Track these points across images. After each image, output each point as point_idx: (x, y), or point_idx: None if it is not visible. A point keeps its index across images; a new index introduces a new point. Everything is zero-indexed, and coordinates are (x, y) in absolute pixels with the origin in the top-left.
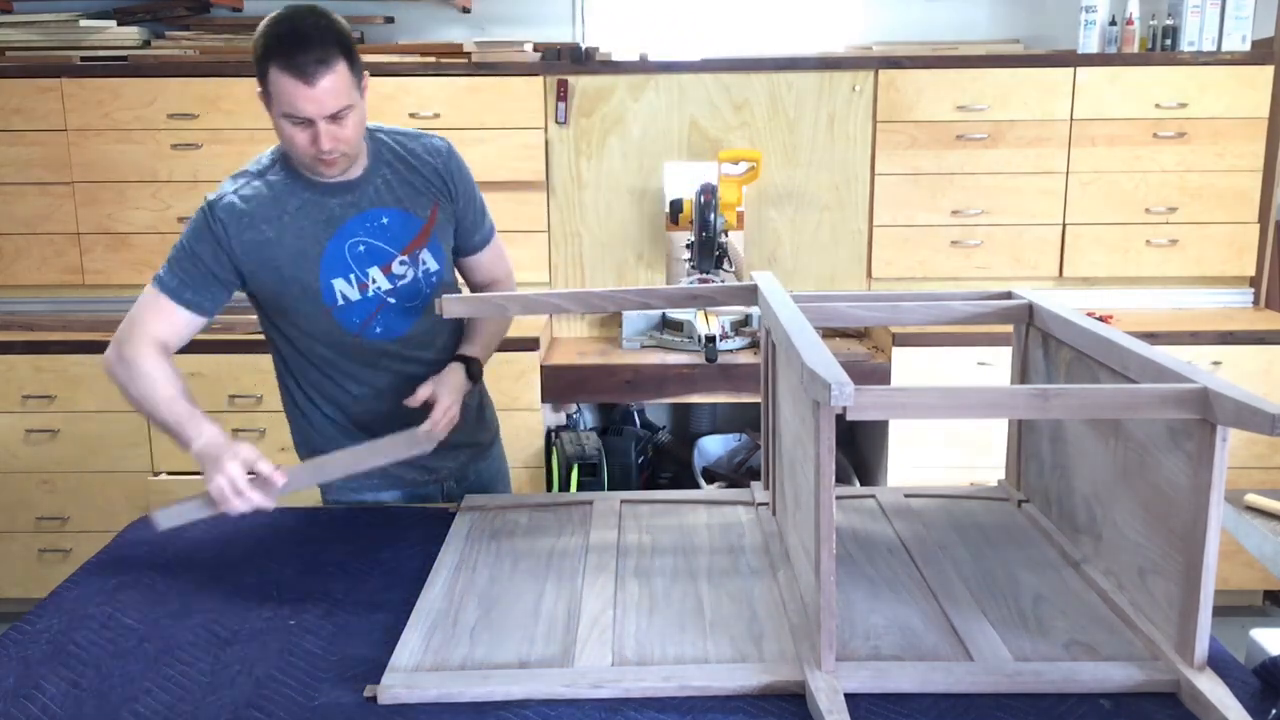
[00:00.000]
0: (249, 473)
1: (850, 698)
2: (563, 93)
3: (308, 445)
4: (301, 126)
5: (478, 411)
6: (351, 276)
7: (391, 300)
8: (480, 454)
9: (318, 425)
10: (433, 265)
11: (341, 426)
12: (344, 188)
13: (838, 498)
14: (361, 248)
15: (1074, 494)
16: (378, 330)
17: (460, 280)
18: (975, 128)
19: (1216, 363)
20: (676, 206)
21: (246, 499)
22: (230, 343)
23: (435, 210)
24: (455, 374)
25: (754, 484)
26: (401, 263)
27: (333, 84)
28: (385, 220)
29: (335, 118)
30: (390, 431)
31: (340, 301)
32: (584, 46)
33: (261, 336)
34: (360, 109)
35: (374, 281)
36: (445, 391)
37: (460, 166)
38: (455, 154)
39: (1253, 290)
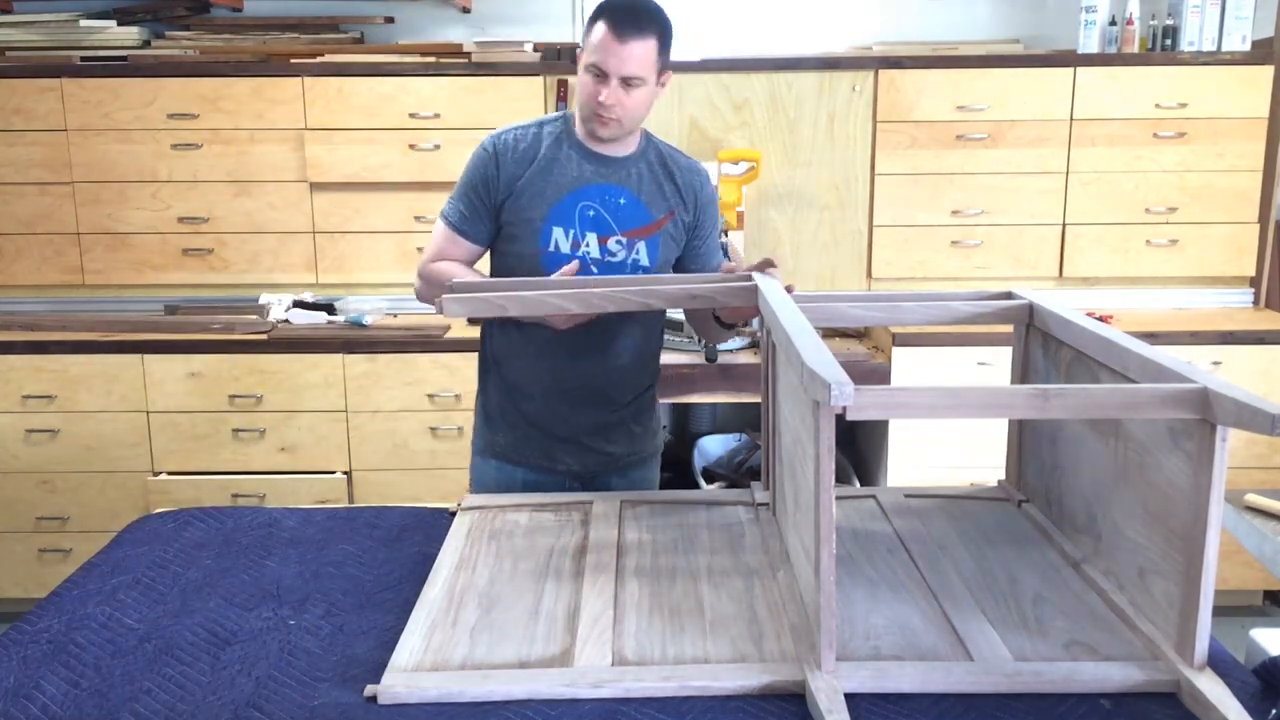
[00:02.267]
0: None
1: (850, 698)
2: (563, 93)
3: (483, 413)
4: (598, 78)
5: (647, 418)
6: (570, 232)
7: (594, 269)
8: (639, 464)
9: (492, 386)
10: (645, 260)
11: (514, 392)
12: (603, 160)
13: (838, 498)
14: (591, 213)
15: (1074, 494)
16: None
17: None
18: (975, 128)
19: (1216, 363)
20: None
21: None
22: (230, 343)
23: (669, 218)
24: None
25: (754, 484)
26: (618, 242)
27: (638, 52)
28: (622, 200)
29: (627, 82)
30: (549, 424)
31: (551, 248)
32: None
33: (264, 336)
34: (651, 90)
35: (587, 245)
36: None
37: (712, 197)
38: (711, 183)
39: (1253, 290)
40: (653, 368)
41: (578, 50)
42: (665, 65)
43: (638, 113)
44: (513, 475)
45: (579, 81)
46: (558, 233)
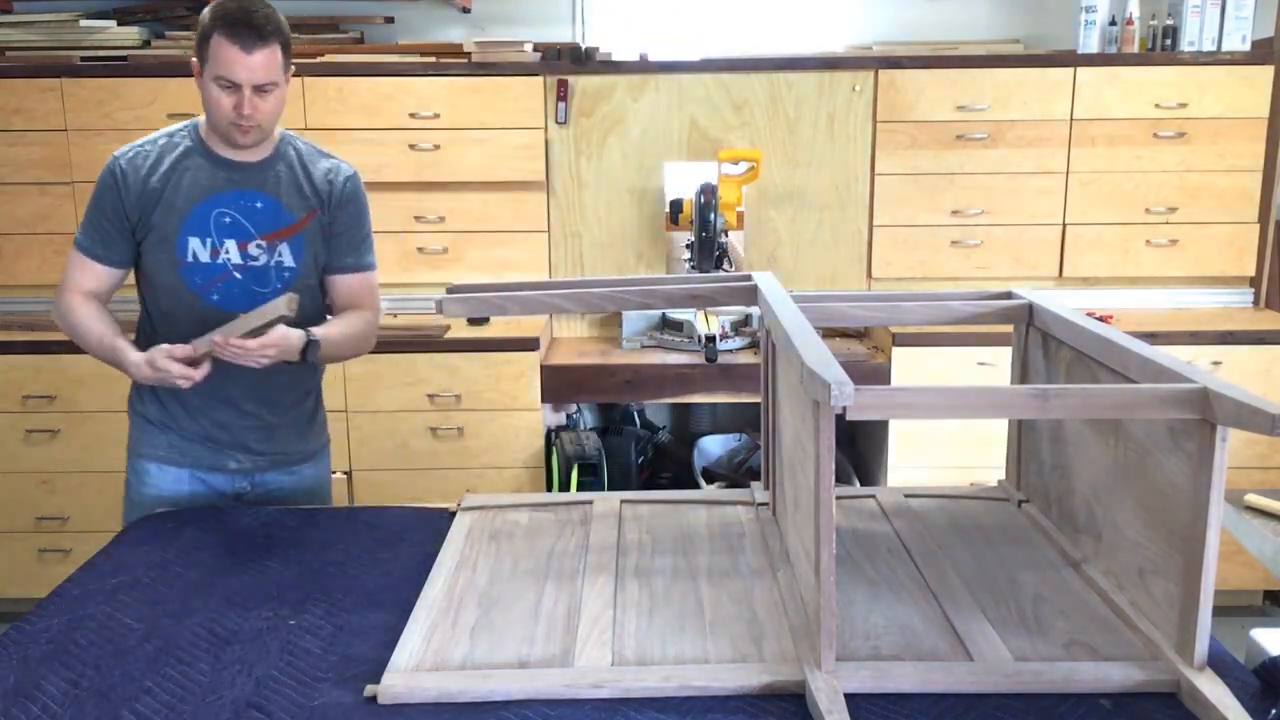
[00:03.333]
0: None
1: (850, 698)
2: (563, 93)
3: (142, 418)
4: (230, 91)
5: (309, 417)
6: (207, 240)
7: (238, 275)
8: (306, 458)
9: (149, 392)
10: (289, 261)
11: (174, 399)
12: (236, 167)
13: (838, 498)
14: (227, 219)
15: (1074, 494)
16: (215, 297)
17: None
18: (975, 128)
19: (1216, 363)
20: (676, 206)
21: (181, 374)
22: None
23: (309, 218)
24: (292, 334)
25: (754, 484)
26: (258, 246)
27: (266, 60)
28: (259, 205)
29: (260, 90)
30: (199, 415)
31: (189, 259)
32: (584, 46)
33: None
34: (283, 92)
35: (226, 252)
36: (274, 334)
37: (354, 196)
38: (357, 186)
39: (1253, 290)
40: (314, 375)
41: (192, 60)
42: (289, 65)
43: (275, 114)
44: (179, 478)
45: (208, 94)
46: (194, 243)
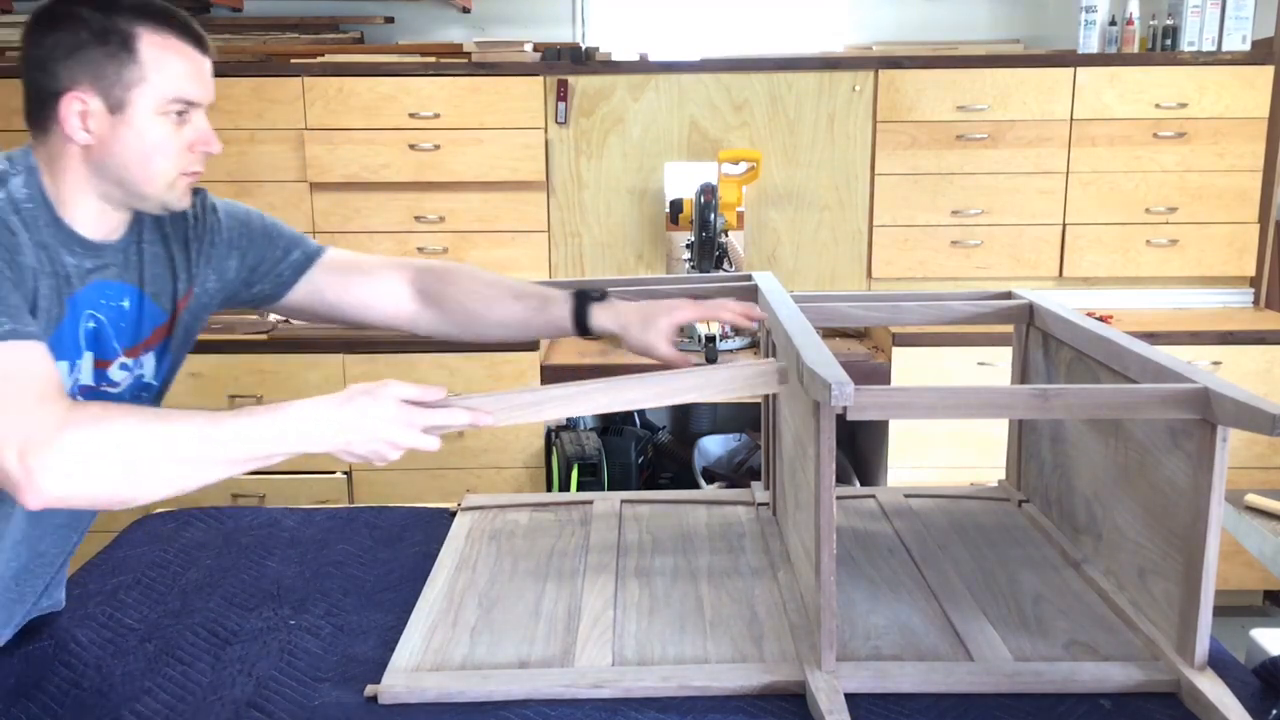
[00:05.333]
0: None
1: (850, 698)
2: (563, 93)
3: None
4: (181, 120)
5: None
6: (76, 363)
7: (80, 399)
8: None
9: None
10: (150, 375)
11: None
12: (85, 245)
13: (838, 498)
14: (92, 324)
15: (1074, 494)
16: None
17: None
18: (975, 128)
19: (1216, 363)
20: (676, 206)
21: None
22: (230, 343)
23: (187, 298)
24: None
25: (754, 484)
26: (122, 366)
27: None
28: (126, 303)
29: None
30: None
31: None
32: (584, 46)
33: (264, 337)
34: None
35: (78, 372)
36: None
37: (234, 210)
38: (226, 203)
39: (1253, 290)
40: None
41: (64, 93)
42: None
43: None
44: None
45: (145, 135)
46: (62, 369)
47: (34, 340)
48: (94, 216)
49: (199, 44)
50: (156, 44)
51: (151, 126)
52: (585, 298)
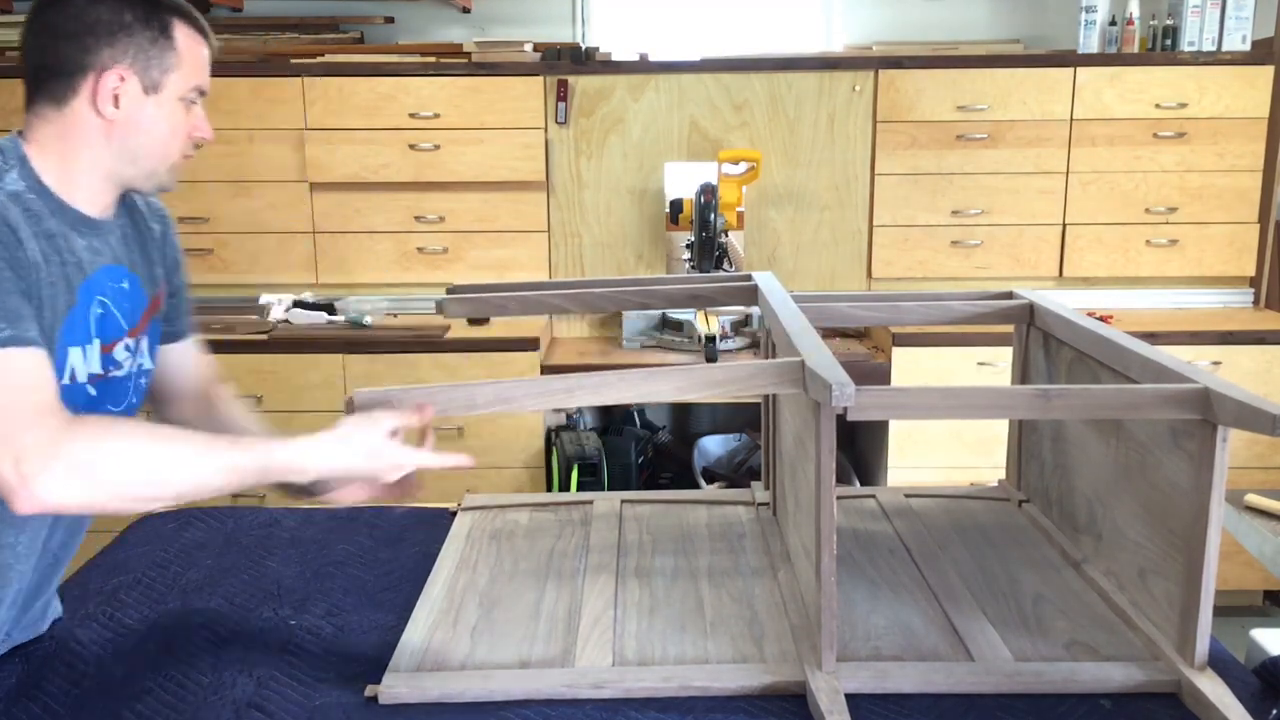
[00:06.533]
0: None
1: (851, 698)
2: (563, 93)
3: None
4: (189, 107)
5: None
6: (89, 348)
7: (92, 392)
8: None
9: None
10: (148, 362)
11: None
12: (90, 225)
13: (838, 498)
14: (100, 310)
15: (1074, 494)
16: None
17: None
18: (975, 128)
19: (1216, 363)
20: (676, 206)
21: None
22: (231, 343)
23: (162, 291)
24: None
25: (754, 484)
26: (126, 347)
27: None
28: (126, 285)
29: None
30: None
31: (67, 380)
32: (584, 46)
33: (264, 337)
34: None
35: (90, 362)
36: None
37: (177, 240)
38: (173, 223)
39: (1253, 290)
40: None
41: (111, 75)
42: None
43: None
44: None
45: (163, 118)
46: (75, 355)
47: (34, 347)
48: (95, 194)
49: (209, 39)
50: (186, 35)
51: (175, 110)
52: None
